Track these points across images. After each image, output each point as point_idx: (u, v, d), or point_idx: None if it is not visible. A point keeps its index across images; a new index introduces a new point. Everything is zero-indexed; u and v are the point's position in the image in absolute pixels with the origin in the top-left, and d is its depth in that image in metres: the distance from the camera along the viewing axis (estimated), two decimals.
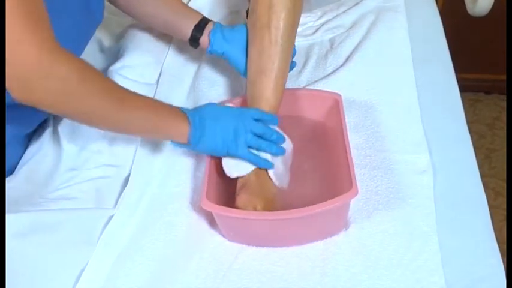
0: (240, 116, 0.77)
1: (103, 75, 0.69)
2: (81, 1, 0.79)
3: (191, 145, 0.76)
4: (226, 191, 0.78)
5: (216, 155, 0.78)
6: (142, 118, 0.72)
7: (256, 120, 0.78)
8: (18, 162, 0.89)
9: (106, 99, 0.67)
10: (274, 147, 0.78)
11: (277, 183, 0.77)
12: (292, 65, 0.90)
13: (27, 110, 0.74)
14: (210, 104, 0.80)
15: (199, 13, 0.93)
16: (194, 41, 0.92)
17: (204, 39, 0.91)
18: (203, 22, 0.91)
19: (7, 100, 0.72)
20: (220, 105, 0.80)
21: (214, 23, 0.91)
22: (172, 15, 0.92)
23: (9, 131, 0.82)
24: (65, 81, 0.62)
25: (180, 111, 0.75)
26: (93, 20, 0.86)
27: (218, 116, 0.77)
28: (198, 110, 0.77)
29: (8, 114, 0.76)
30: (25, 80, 0.60)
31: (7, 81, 0.60)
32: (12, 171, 0.88)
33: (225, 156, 0.78)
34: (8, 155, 0.85)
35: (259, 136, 0.77)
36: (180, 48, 1.04)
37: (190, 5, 1.08)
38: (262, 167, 0.77)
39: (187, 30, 0.91)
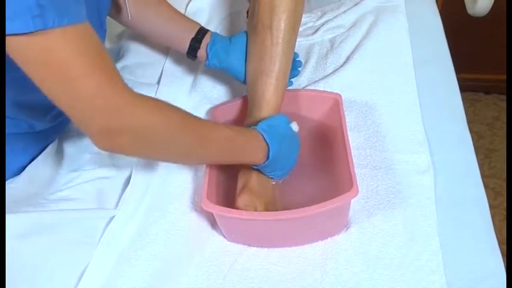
0: (297, 148, 0.81)
1: (182, 112, 0.68)
2: (96, 17, 0.80)
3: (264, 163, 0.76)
4: (227, 191, 0.78)
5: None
6: (222, 150, 0.72)
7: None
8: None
9: (188, 140, 0.67)
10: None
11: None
12: (296, 73, 0.89)
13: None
14: (283, 126, 0.79)
15: (197, 24, 0.91)
16: (191, 54, 0.90)
17: (201, 53, 0.90)
18: (200, 34, 0.89)
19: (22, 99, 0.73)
20: (289, 129, 0.80)
21: (211, 34, 0.89)
22: (171, 29, 0.91)
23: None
24: (148, 127, 0.62)
25: (259, 136, 0.74)
26: (104, 32, 0.87)
27: (289, 148, 0.79)
28: (273, 135, 0.75)
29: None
30: (108, 130, 0.60)
31: (90, 132, 0.60)
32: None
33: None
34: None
35: None
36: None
37: (191, 5, 1.08)
38: None
39: (185, 42, 0.90)
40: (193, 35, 0.89)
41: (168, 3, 0.93)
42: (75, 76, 0.56)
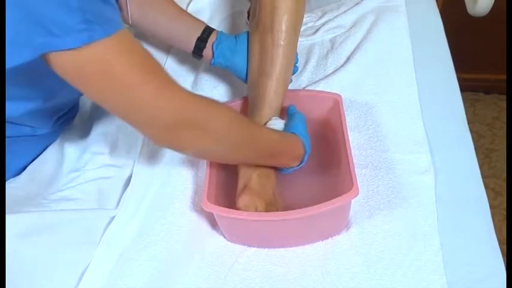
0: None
1: (234, 109, 0.71)
2: None
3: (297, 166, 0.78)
4: (227, 191, 0.78)
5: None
6: (267, 151, 0.75)
7: None
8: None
9: (242, 135, 0.70)
10: None
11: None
12: (295, 69, 0.90)
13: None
14: (301, 120, 0.80)
15: (202, 23, 0.91)
16: (197, 53, 0.90)
17: (206, 52, 0.89)
18: (206, 33, 0.89)
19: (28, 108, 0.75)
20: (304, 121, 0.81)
21: (217, 33, 0.89)
22: (176, 28, 0.91)
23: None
24: (208, 122, 0.65)
25: (300, 142, 0.77)
26: None
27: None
28: (301, 133, 0.78)
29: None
30: (173, 128, 0.63)
31: (154, 133, 0.63)
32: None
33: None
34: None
35: None
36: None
37: (192, 5, 1.08)
38: None
39: (191, 42, 0.89)
40: (198, 34, 0.89)
41: (172, 1, 0.93)
42: (133, 83, 0.57)
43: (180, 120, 0.62)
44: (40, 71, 0.58)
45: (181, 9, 0.93)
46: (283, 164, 0.78)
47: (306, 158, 0.78)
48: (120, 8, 0.90)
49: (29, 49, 0.51)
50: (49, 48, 0.52)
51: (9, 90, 0.69)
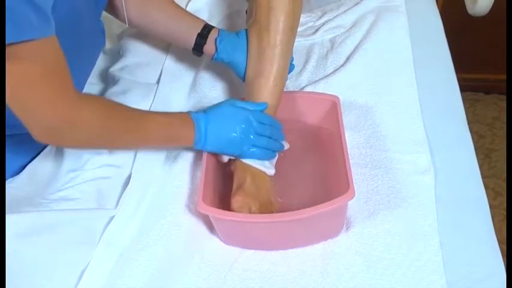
0: (247, 119, 0.79)
1: (123, 107, 0.75)
2: (93, 11, 0.83)
3: (198, 147, 0.79)
4: (224, 193, 0.78)
5: (226, 154, 0.80)
6: (157, 137, 0.78)
7: (261, 122, 0.80)
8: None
9: (124, 134, 0.75)
10: (277, 145, 0.81)
11: (271, 173, 0.79)
12: (291, 67, 0.89)
13: None
14: (223, 105, 0.80)
15: (202, 20, 0.91)
16: (197, 50, 0.90)
17: (207, 47, 0.90)
18: (206, 30, 0.89)
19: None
20: (232, 105, 0.80)
21: (218, 30, 0.90)
22: (175, 25, 0.91)
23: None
24: (90, 128, 0.70)
25: (189, 119, 0.78)
26: (101, 26, 0.88)
27: (225, 118, 0.79)
28: (207, 113, 0.79)
29: None
30: (52, 133, 0.68)
31: (32, 131, 0.67)
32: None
33: (234, 155, 0.80)
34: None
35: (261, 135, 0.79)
36: (181, 48, 1.04)
37: (190, 5, 1.08)
38: (270, 159, 0.81)
39: (191, 39, 0.90)
40: (198, 31, 0.89)
41: (172, 1, 0.93)
42: (29, 84, 0.62)
43: (62, 127, 0.67)
44: None
45: (180, 7, 0.93)
46: (180, 145, 0.82)
47: (197, 138, 0.77)
48: (116, 10, 0.91)
49: None
50: (4, 32, 0.55)
51: None
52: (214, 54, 0.89)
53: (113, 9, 0.92)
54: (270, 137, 0.80)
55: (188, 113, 0.79)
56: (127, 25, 0.92)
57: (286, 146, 0.83)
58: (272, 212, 0.74)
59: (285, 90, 0.86)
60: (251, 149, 0.78)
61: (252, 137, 0.78)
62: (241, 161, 0.79)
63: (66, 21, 0.70)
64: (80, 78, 0.88)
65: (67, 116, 0.67)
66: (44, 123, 0.66)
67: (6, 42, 0.56)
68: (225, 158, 0.80)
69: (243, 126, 0.78)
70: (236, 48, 0.87)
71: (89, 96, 0.73)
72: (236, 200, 0.73)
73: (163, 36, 0.96)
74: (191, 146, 0.79)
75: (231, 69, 0.90)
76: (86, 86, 0.92)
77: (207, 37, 0.89)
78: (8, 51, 0.57)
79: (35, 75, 0.62)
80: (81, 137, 0.71)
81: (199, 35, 0.89)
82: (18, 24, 0.56)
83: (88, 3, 0.79)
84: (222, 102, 0.81)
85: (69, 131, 0.68)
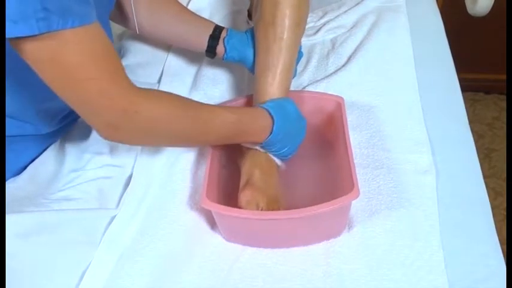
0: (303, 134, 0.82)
1: (184, 100, 0.73)
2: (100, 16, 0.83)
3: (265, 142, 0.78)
4: (228, 191, 0.78)
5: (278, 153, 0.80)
6: (226, 134, 0.75)
7: None
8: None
9: (190, 128, 0.72)
10: None
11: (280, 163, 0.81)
12: (300, 55, 0.89)
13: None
14: (289, 101, 0.80)
15: (211, 22, 0.92)
16: (211, 51, 0.91)
17: (219, 48, 0.90)
18: (217, 31, 0.90)
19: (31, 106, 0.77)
20: (298, 114, 0.81)
21: (227, 29, 0.90)
22: (185, 28, 0.92)
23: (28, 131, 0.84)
24: (152, 122, 0.67)
25: (264, 112, 0.77)
26: (109, 30, 0.88)
27: (296, 134, 0.81)
28: (280, 109, 0.78)
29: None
30: (114, 126, 0.65)
31: (96, 126, 0.66)
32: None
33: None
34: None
35: None
36: (182, 48, 1.04)
37: (191, 4, 1.08)
38: None
39: (202, 41, 0.90)
40: (209, 33, 0.90)
41: (178, 3, 0.93)
42: (82, 78, 0.60)
43: (121, 121, 0.64)
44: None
45: (188, 10, 0.94)
46: (251, 141, 0.78)
47: (275, 126, 0.76)
48: (126, 19, 0.91)
49: None
50: (8, 35, 0.53)
51: (13, 87, 0.71)
52: (224, 54, 0.90)
53: (122, 18, 0.92)
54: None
55: (262, 109, 0.77)
56: (138, 32, 0.92)
57: None
58: (279, 209, 0.74)
59: (290, 88, 0.86)
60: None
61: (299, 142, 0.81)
62: (250, 156, 0.78)
63: None
64: None
65: (126, 108, 0.63)
66: (103, 117, 0.64)
67: (48, 29, 0.54)
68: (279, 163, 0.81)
69: (302, 133, 0.82)
70: (246, 45, 0.87)
71: (148, 88, 0.69)
72: (245, 195, 0.73)
73: (174, 41, 0.97)
74: (261, 139, 0.77)
75: (245, 66, 0.90)
76: None
77: (218, 38, 0.90)
78: (49, 41, 0.55)
79: (84, 65, 0.59)
80: (143, 130, 0.67)
81: (211, 36, 0.90)
82: (59, 12, 0.54)
83: (97, 7, 0.79)
84: (287, 99, 0.81)
85: (130, 124, 0.65)
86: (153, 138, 0.72)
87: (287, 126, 0.78)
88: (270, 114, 0.77)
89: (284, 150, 0.80)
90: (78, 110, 0.64)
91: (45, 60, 0.57)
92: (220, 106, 0.80)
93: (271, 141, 0.77)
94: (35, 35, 0.54)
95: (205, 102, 0.94)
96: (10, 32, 0.53)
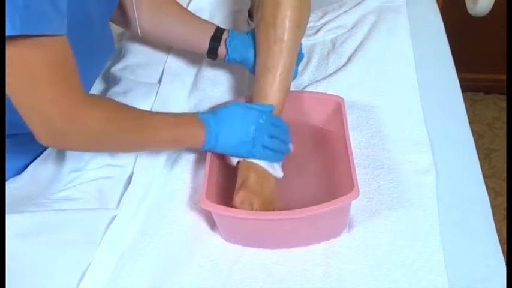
0: (258, 120, 0.79)
1: (131, 108, 0.74)
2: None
3: (207, 148, 0.78)
4: (227, 192, 0.78)
5: (236, 155, 0.79)
6: (166, 138, 0.77)
7: (272, 123, 0.80)
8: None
9: (133, 134, 0.74)
10: (285, 147, 0.81)
11: (279, 175, 0.79)
12: (300, 56, 0.89)
13: None
14: (232, 105, 0.80)
15: (212, 23, 0.92)
16: (212, 53, 0.91)
17: (220, 50, 0.90)
18: (219, 32, 0.90)
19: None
20: (242, 106, 0.80)
21: (228, 31, 0.90)
22: (186, 30, 0.92)
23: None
24: (98, 129, 0.69)
25: (198, 120, 0.77)
26: (109, 33, 0.88)
27: (236, 119, 0.78)
28: (216, 114, 0.78)
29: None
30: (59, 135, 0.67)
31: (38, 134, 0.66)
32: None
33: (244, 156, 0.79)
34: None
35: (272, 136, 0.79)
36: (182, 48, 1.04)
37: (191, 5, 1.08)
38: (278, 161, 0.80)
39: (204, 43, 0.90)
40: (211, 35, 0.90)
41: (179, 5, 0.93)
42: (38, 83, 0.62)
43: (67, 130, 0.66)
44: None
45: (190, 12, 0.94)
46: (189, 146, 0.80)
47: (207, 138, 0.76)
48: (128, 21, 0.91)
49: None
50: (4, 31, 0.55)
51: None
52: (225, 56, 0.90)
53: (123, 21, 0.92)
54: (280, 139, 0.80)
55: (196, 113, 0.78)
56: (140, 35, 0.92)
57: (291, 148, 0.83)
58: (274, 210, 0.74)
59: (289, 89, 0.86)
60: (262, 151, 0.78)
61: (264, 138, 0.78)
62: (247, 160, 0.78)
63: (77, 24, 0.70)
64: (86, 83, 0.88)
65: (75, 117, 0.66)
66: (51, 125, 0.65)
67: (22, 32, 0.55)
68: (234, 161, 0.79)
69: (255, 127, 0.78)
70: (247, 46, 0.88)
71: (97, 97, 0.73)
72: (238, 196, 0.74)
73: (175, 43, 0.97)
74: (200, 148, 0.78)
75: (247, 67, 0.90)
76: None
77: (220, 40, 0.90)
78: (18, 43, 0.57)
79: (44, 72, 0.61)
80: (89, 138, 0.70)
81: (212, 38, 0.90)
82: (35, 17, 0.56)
83: (99, 7, 0.79)
84: (229, 102, 0.81)
85: (77, 133, 0.67)
86: (96, 145, 0.73)
87: (222, 125, 0.77)
88: (203, 126, 0.77)
89: (231, 149, 0.78)
90: (26, 116, 0.65)
91: (10, 62, 0.58)
92: (157, 112, 0.81)
93: (208, 144, 0.77)
94: (12, 36, 0.55)
95: (206, 102, 0.95)
96: None
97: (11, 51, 0.57)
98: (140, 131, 0.74)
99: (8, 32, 0.55)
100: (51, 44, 0.60)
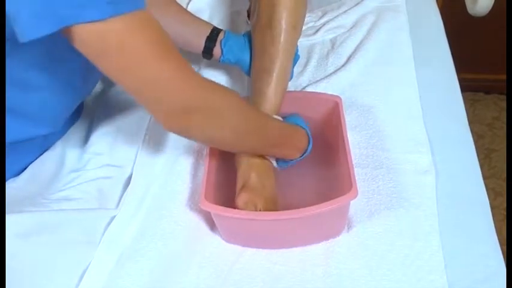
0: None
1: (243, 100, 0.71)
2: None
3: (302, 157, 0.79)
4: (226, 193, 0.78)
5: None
6: (272, 139, 0.76)
7: None
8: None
9: (249, 124, 0.71)
10: None
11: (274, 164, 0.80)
12: (296, 57, 0.89)
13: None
14: (300, 118, 0.81)
15: (209, 24, 0.92)
16: (207, 53, 0.91)
17: (215, 50, 0.90)
18: (215, 33, 0.90)
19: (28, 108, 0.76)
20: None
21: (224, 31, 0.91)
22: (183, 29, 0.91)
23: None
24: (217, 109, 0.65)
25: (300, 128, 0.79)
26: None
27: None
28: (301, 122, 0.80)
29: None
30: (188, 109, 0.63)
31: (161, 114, 0.63)
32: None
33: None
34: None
35: None
36: (180, 50, 1.03)
37: (191, 5, 1.08)
38: None
39: (200, 42, 0.90)
40: (207, 35, 0.90)
41: (178, 5, 0.93)
42: (150, 60, 0.58)
43: (192, 105, 0.62)
44: (58, 56, 0.60)
45: (187, 11, 0.94)
46: (286, 154, 0.78)
47: (309, 149, 0.78)
48: None
49: (53, 21, 0.51)
50: (75, 20, 0.52)
51: (29, 76, 0.70)
52: (220, 56, 0.90)
53: None
54: None
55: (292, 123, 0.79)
56: None
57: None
58: (277, 209, 0.74)
59: (286, 90, 0.86)
60: None
61: None
62: (245, 158, 0.78)
63: None
64: (90, 84, 0.88)
65: (197, 95, 0.62)
66: (179, 98, 0.61)
67: (116, 13, 0.53)
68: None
69: None
70: (242, 48, 0.88)
71: (214, 83, 0.68)
72: (241, 197, 0.73)
73: (174, 43, 0.96)
74: (296, 155, 0.78)
75: (241, 69, 0.91)
76: None
77: (215, 40, 0.90)
78: (120, 23, 0.54)
79: (157, 47, 0.58)
80: (207, 118, 0.65)
81: (208, 38, 0.90)
82: None
83: None
84: (297, 115, 0.82)
85: (197, 110, 0.63)
86: (214, 126, 0.67)
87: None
88: (307, 136, 0.78)
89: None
90: (144, 99, 0.62)
91: (111, 45, 0.55)
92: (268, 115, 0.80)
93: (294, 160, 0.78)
94: (102, 20, 0.52)
95: None
96: (78, 17, 0.51)
97: (112, 33, 0.54)
98: (259, 127, 0.73)
99: (102, 15, 0.52)
100: (143, 18, 0.57)
